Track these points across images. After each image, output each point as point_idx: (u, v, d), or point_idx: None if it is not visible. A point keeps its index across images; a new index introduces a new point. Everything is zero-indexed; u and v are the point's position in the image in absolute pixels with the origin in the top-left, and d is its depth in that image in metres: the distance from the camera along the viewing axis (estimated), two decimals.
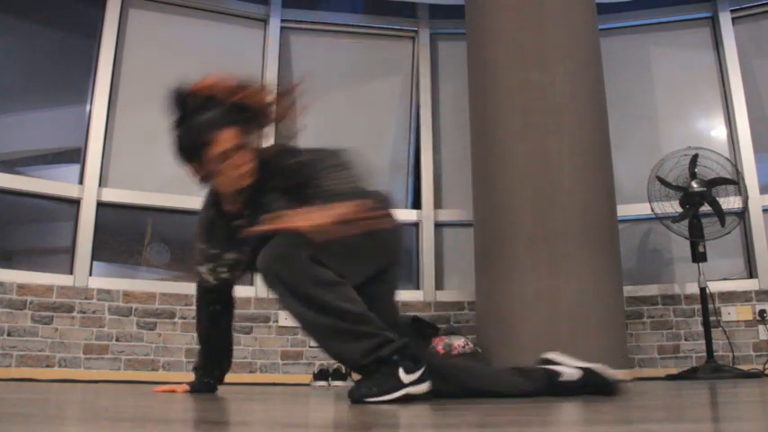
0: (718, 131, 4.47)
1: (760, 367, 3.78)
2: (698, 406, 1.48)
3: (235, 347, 3.88)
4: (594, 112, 3.62)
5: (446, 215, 4.49)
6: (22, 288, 3.64)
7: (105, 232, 4.00)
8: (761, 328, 3.93)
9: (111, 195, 4.02)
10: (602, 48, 3.83)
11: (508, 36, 3.63)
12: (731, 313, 3.97)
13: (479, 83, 3.77)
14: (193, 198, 4.25)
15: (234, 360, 3.89)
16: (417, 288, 4.37)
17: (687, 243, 3.90)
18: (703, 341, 3.73)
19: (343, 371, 3.71)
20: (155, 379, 3.65)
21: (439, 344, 3.41)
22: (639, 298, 4.12)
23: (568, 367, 1.85)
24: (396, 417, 1.30)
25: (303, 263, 1.62)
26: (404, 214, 4.52)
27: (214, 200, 1.99)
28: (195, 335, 2.30)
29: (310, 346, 4.04)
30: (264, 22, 4.64)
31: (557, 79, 3.52)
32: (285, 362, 3.98)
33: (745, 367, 3.73)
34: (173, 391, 2.19)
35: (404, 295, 4.29)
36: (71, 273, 3.82)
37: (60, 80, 4.28)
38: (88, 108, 4.13)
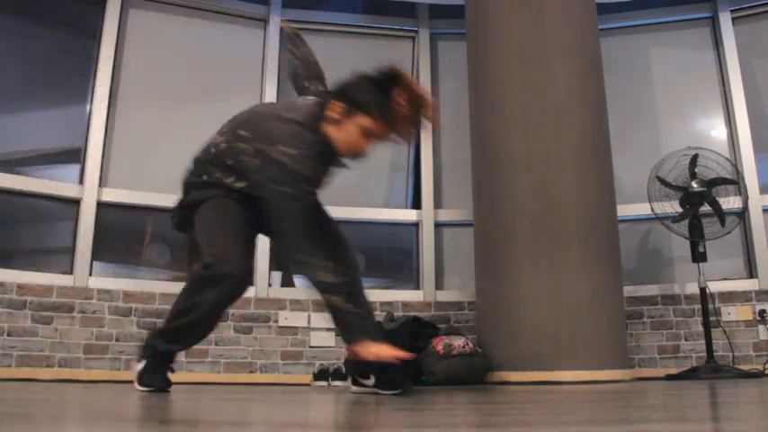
0: (718, 131, 4.47)
1: (760, 367, 3.78)
2: (698, 406, 1.48)
3: (235, 347, 3.92)
4: (594, 112, 3.62)
5: (446, 215, 4.49)
6: (21, 288, 3.63)
7: (105, 232, 4.00)
8: (761, 328, 3.93)
9: (111, 195, 4.02)
10: (602, 48, 3.83)
11: (508, 36, 3.63)
12: (731, 313, 3.97)
13: (479, 83, 3.77)
14: None
15: (234, 360, 3.93)
16: (417, 288, 4.37)
17: (687, 243, 3.90)
18: (703, 341, 3.73)
19: (344, 371, 3.71)
20: None
21: (439, 344, 3.41)
22: (639, 298, 4.12)
23: None
24: (396, 417, 1.30)
25: None
26: (404, 214, 4.53)
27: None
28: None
29: (310, 347, 4.04)
30: (264, 22, 4.64)
31: (557, 79, 3.53)
32: (285, 362, 3.98)
33: (745, 367, 3.73)
34: None
35: (404, 295, 4.29)
36: (71, 273, 3.82)
37: (60, 80, 4.28)
38: (88, 108, 4.13)
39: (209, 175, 2.29)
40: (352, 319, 2.07)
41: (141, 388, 2.23)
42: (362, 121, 2.11)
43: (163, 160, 4.40)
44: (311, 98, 2.35)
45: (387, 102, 2.07)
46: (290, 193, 2.05)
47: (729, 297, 4.00)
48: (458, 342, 3.39)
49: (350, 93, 2.14)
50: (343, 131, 2.14)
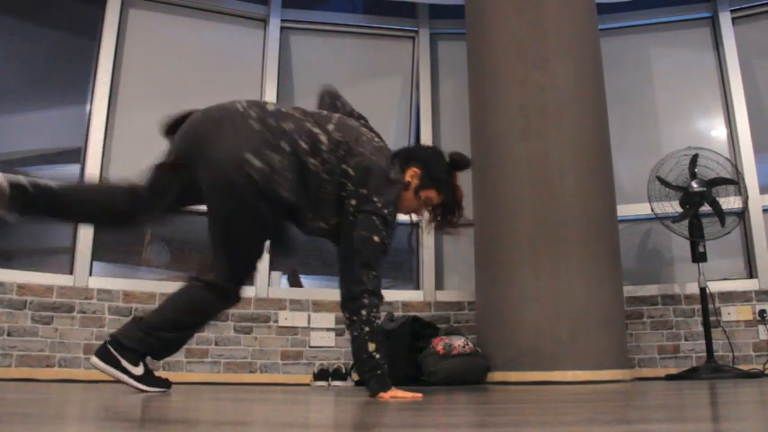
0: (718, 131, 4.47)
1: (760, 367, 3.78)
2: (698, 406, 1.48)
3: (235, 347, 3.92)
4: (594, 112, 3.62)
5: None
6: (22, 288, 3.64)
7: (105, 232, 4.00)
8: (761, 328, 3.93)
9: None
10: (602, 48, 3.83)
11: (508, 36, 3.63)
12: (731, 313, 3.97)
13: (479, 83, 3.77)
14: None
15: (234, 360, 3.93)
16: (417, 288, 4.37)
17: (687, 243, 3.90)
18: (703, 341, 3.73)
19: (343, 371, 3.71)
20: None
21: (439, 344, 3.41)
22: (639, 298, 4.12)
23: None
24: (396, 417, 1.30)
25: None
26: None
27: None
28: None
29: (310, 346, 4.04)
30: (264, 22, 4.65)
31: (557, 79, 3.53)
32: (285, 362, 3.98)
33: (745, 367, 3.73)
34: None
35: (404, 295, 4.29)
36: (71, 273, 3.82)
37: (60, 80, 4.28)
38: (88, 108, 4.14)
39: (296, 197, 2.09)
40: (380, 372, 2.05)
41: (153, 389, 2.22)
42: (432, 195, 2.30)
43: None
44: (366, 133, 2.27)
45: (454, 186, 2.30)
46: (387, 244, 2.15)
47: (729, 297, 4.00)
48: (458, 342, 3.39)
49: (429, 165, 2.29)
50: (411, 197, 2.30)
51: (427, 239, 4.41)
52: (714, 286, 3.91)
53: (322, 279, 4.49)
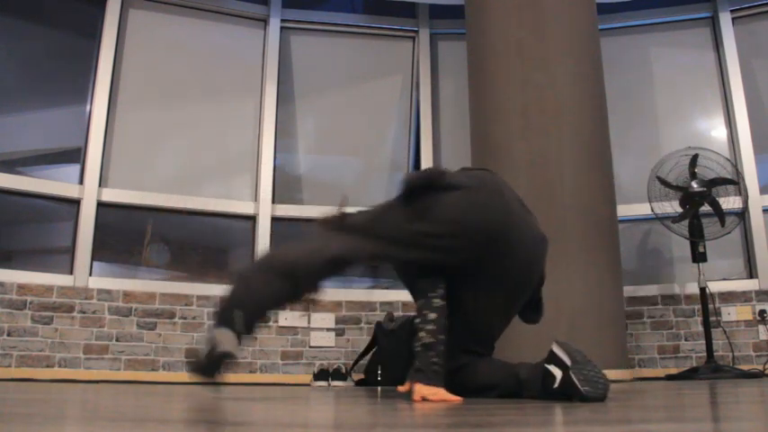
0: (718, 131, 4.47)
1: (760, 367, 3.78)
2: (698, 406, 1.48)
3: None
4: (594, 112, 3.62)
5: None
6: (22, 288, 3.64)
7: (105, 232, 4.00)
8: (761, 328, 3.93)
9: (111, 195, 4.03)
10: (602, 48, 3.83)
11: (508, 36, 3.63)
12: (731, 313, 3.97)
13: (479, 83, 3.77)
14: (193, 198, 4.25)
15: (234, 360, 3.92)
16: None
17: (687, 243, 3.90)
18: (703, 341, 3.73)
19: (343, 371, 3.71)
20: (155, 379, 3.65)
21: None
22: (639, 298, 4.12)
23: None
24: (396, 416, 1.30)
25: None
26: None
27: None
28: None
29: (310, 347, 4.04)
30: (264, 22, 4.65)
31: (557, 79, 3.52)
32: (285, 362, 3.98)
33: (745, 367, 3.73)
34: None
35: (404, 295, 4.28)
36: (71, 273, 3.82)
37: (60, 80, 4.28)
38: (88, 108, 4.14)
39: None
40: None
41: None
42: None
43: (163, 160, 4.40)
44: None
45: None
46: None
47: (729, 297, 4.00)
48: None
49: None
50: None
51: None
52: (714, 286, 3.91)
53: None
